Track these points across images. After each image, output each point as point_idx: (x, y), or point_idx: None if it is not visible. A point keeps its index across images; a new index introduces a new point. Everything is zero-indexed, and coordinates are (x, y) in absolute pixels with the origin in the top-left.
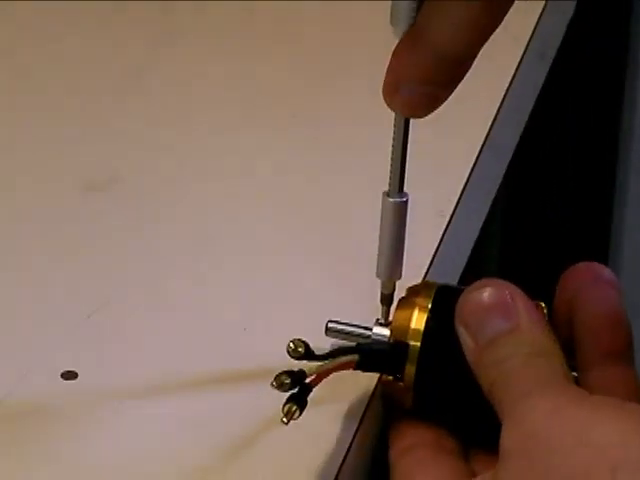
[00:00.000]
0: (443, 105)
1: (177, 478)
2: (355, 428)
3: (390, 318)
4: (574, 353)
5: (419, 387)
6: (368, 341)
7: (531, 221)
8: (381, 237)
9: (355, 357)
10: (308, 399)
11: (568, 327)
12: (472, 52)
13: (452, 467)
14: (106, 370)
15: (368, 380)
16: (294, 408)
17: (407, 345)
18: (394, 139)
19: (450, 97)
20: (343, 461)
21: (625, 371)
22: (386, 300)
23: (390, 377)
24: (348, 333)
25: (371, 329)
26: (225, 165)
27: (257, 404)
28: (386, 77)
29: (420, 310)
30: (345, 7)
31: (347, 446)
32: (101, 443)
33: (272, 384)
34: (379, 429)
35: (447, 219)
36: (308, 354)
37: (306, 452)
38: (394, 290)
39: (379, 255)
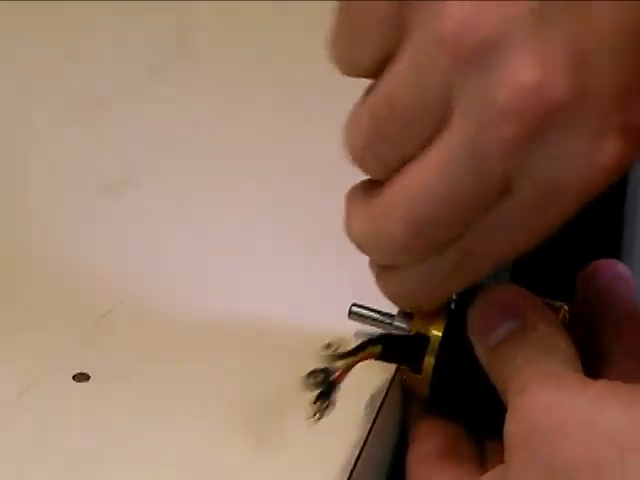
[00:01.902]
0: None
1: (191, 477)
2: (373, 418)
3: None
4: (593, 353)
5: (437, 378)
6: (391, 331)
7: None
8: None
9: (378, 348)
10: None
11: (588, 326)
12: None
13: (469, 470)
14: (118, 372)
15: (385, 372)
16: (325, 405)
17: (428, 337)
18: None
19: None
20: (360, 453)
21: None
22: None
23: (408, 368)
24: (371, 318)
25: (394, 316)
26: (241, 167)
27: (273, 398)
28: None
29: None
30: None
31: (364, 438)
32: (113, 445)
33: (303, 387)
34: (397, 420)
35: None
36: (339, 354)
37: (322, 445)
38: None
39: None
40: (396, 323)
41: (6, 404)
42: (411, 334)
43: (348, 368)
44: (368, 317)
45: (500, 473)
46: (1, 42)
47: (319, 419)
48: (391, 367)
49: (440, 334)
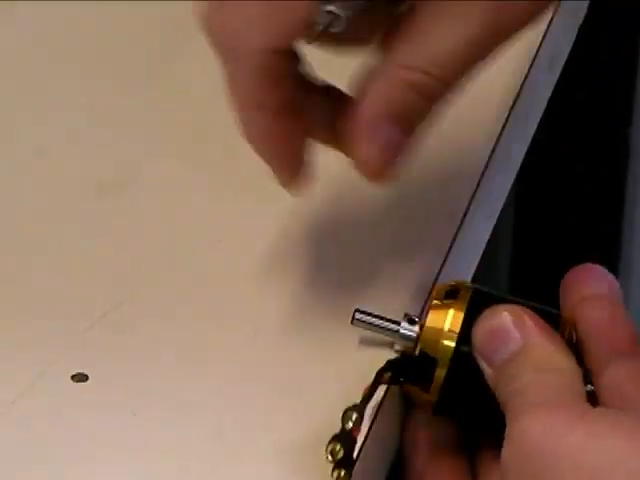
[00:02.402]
0: (453, 111)
1: (191, 477)
2: (372, 418)
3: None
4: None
5: (447, 389)
6: (397, 337)
7: (542, 225)
8: None
9: (388, 374)
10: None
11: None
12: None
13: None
14: (117, 372)
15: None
16: (343, 473)
17: (436, 358)
18: None
19: (460, 105)
20: (359, 453)
21: (636, 365)
22: None
23: (418, 388)
24: (375, 325)
25: (399, 323)
26: (241, 166)
27: (273, 398)
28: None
29: (456, 311)
30: None
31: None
32: (112, 445)
33: (327, 459)
34: (397, 421)
35: (458, 223)
36: (348, 441)
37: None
38: None
39: None
40: (402, 330)
41: (5, 404)
42: (418, 354)
43: (363, 416)
44: (372, 324)
45: None
46: (1, 41)
47: None
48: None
49: (453, 344)
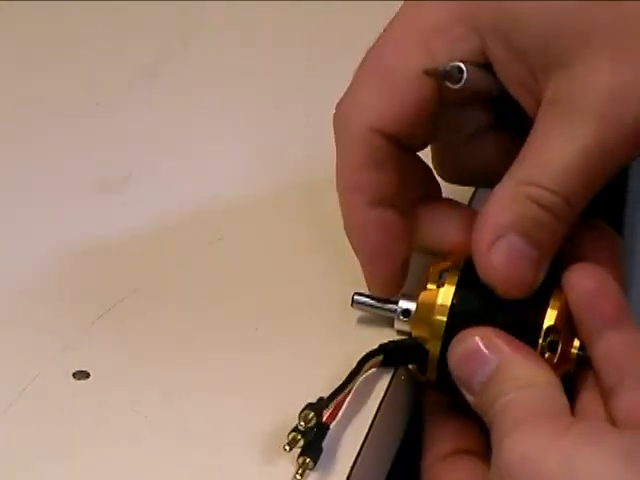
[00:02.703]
0: None
1: (192, 476)
2: (372, 418)
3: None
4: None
5: (444, 363)
6: (394, 315)
7: None
8: None
9: (379, 358)
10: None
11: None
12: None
13: (473, 439)
14: (118, 370)
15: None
16: (307, 461)
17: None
18: None
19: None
20: (359, 453)
21: (627, 334)
22: None
23: (414, 368)
24: (373, 306)
25: (397, 302)
26: (241, 165)
27: (273, 398)
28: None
29: (447, 286)
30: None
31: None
32: (113, 442)
33: (284, 447)
34: (397, 421)
35: None
36: (321, 407)
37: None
38: None
39: None
40: (400, 308)
41: (6, 402)
42: (412, 338)
43: (341, 402)
44: (371, 305)
45: None
46: (1, 41)
47: (301, 477)
48: (387, 374)
49: (444, 319)
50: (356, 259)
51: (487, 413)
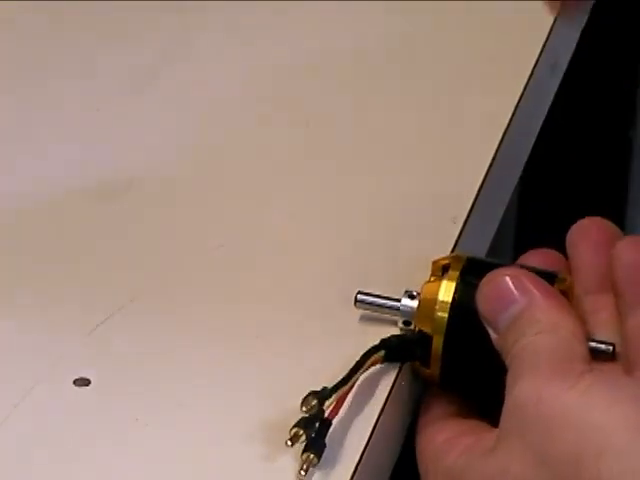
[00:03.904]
0: (457, 114)
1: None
2: (374, 421)
3: (418, 290)
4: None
5: (446, 359)
6: (396, 318)
7: (545, 226)
8: None
9: (381, 353)
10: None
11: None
12: None
13: (472, 426)
14: (119, 377)
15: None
16: (311, 457)
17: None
18: None
19: (464, 107)
20: (361, 456)
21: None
22: None
23: (417, 363)
24: (377, 305)
25: (400, 300)
26: (242, 168)
27: (275, 400)
28: None
29: (448, 282)
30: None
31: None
32: (114, 449)
33: (287, 442)
34: (400, 424)
35: (460, 226)
36: (324, 397)
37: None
38: None
39: None
40: (403, 306)
41: (7, 408)
42: (414, 332)
43: (344, 397)
44: (374, 303)
45: (490, 450)
46: (1, 42)
47: (305, 474)
48: (393, 371)
49: (446, 315)
50: (356, 263)
51: (507, 353)
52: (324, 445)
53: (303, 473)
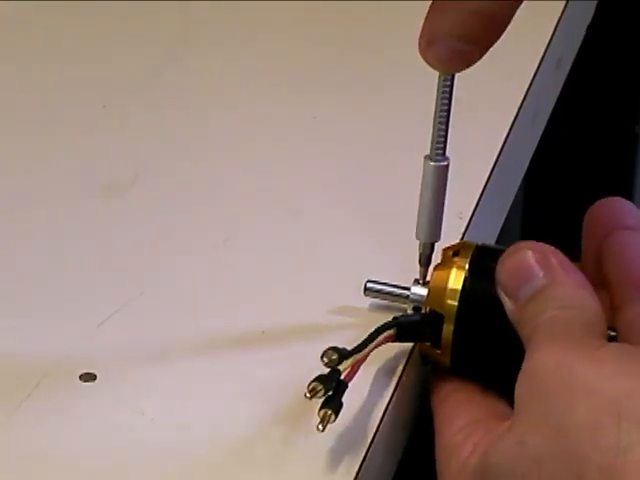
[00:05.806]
0: (462, 109)
1: (193, 477)
2: (380, 418)
3: (428, 278)
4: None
5: (457, 346)
6: (405, 306)
7: (550, 223)
8: (421, 200)
9: (392, 331)
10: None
11: (598, 268)
12: (509, 10)
13: (488, 407)
14: (125, 372)
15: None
16: (329, 413)
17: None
18: (437, 102)
19: (468, 102)
20: (366, 453)
21: None
22: (425, 261)
23: (428, 344)
24: (387, 293)
25: (409, 289)
26: (245, 164)
27: (279, 398)
28: (422, 31)
29: (458, 269)
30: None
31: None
32: (120, 444)
33: (305, 395)
34: (405, 420)
35: (466, 221)
36: (343, 356)
37: (326, 446)
38: (432, 251)
39: (419, 217)
40: (412, 294)
41: (13, 404)
42: (426, 312)
43: (359, 363)
44: (385, 292)
45: (508, 426)
46: (4, 42)
47: (323, 429)
48: (398, 368)
49: (456, 303)
50: (361, 254)
51: (525, 325)
52: (341, 404)
53: (321, 427)
